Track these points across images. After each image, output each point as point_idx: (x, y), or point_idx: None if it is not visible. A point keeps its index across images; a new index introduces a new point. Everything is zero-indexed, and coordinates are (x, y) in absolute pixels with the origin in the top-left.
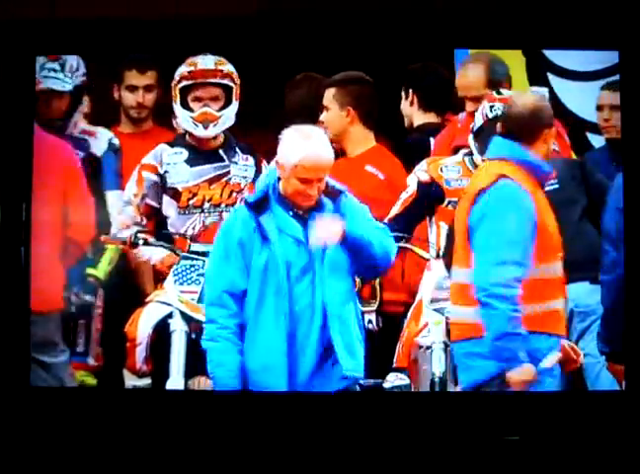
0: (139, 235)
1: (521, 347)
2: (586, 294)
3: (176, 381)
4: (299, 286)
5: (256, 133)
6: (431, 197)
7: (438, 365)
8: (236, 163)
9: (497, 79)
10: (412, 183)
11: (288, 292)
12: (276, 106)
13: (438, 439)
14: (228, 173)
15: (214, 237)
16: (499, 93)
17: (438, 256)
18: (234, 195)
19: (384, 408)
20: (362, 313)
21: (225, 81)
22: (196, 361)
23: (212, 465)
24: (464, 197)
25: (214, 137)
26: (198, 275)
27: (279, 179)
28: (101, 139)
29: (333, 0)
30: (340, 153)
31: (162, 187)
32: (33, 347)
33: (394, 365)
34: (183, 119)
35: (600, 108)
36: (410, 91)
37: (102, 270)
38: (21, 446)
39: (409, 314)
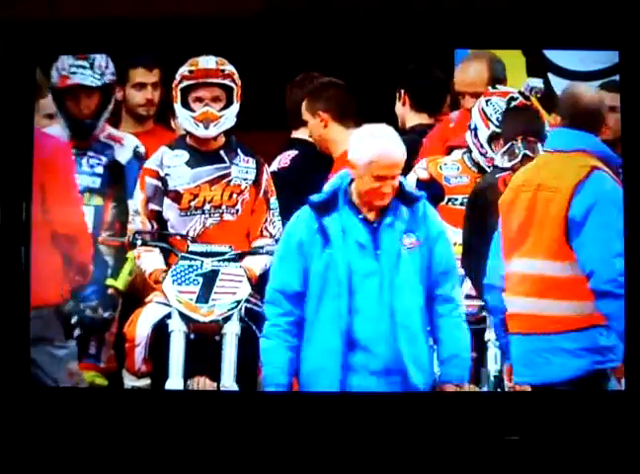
0: (137, 235)
1: None
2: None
3: (175, 382)
4: (362, 292)
5: (257, 134)
6: (430, 195)
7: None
8: (237, 164)
9: (498, 77)
10: (411, 181)
11: (348, 297)
12: (276, 106)
13: (438, 439)
14: (229, 174)
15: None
16: (494, 87)
17: None
18: (235, 196)
19: (385, 408)
20: None
21: (226, 81)
22: (195, 362)
23: (212, 465)
24: (551, 191)
25: (215, 138)
26: (196, 275)
27: (351, 181)
28: (126, 147)
29: (334, 0)
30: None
31: (164, 190)
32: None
33: None
34: (183, 119)
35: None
36: (402, 91)
37: (122, 281)
38: (20, 446)
39: None
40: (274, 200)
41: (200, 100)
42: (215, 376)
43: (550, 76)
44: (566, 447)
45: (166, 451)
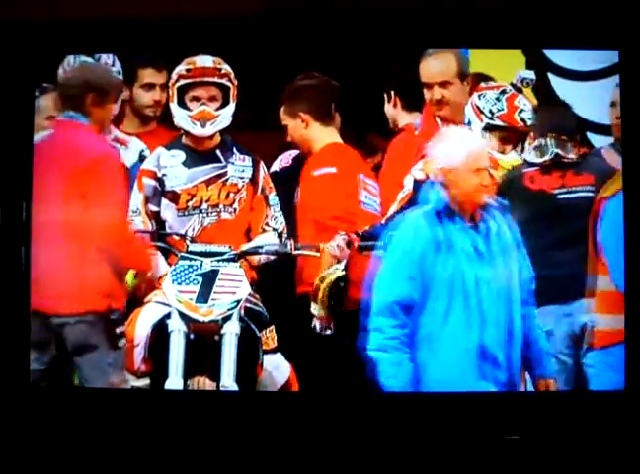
0: (137, 236)
1: None
2: None
3: (174, 381)
4: (487, 301)
5: (257, 134)
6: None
7: None
8: (233, 163)
9: (465, 71)
10: (408, 182)
11: (478, 306)
12: (276, 106)
13: (439, 439)
14: (225, 173)
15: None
16: (486, 82)
17: None
18: (232, 195)
19: (385, 408)
20: None
21: (223, 81)
22: (194, 362)
23: (212, 465)
24: None
25: (211, 138)
26: (196, 275)
27: (444, 189)
28: (132, 150)
29: (334, 0)
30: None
31: (161, 190)
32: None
33: None
34: (180, 118)
35: (614, 104)
36: (392, 93)
37: (128, 284)
38: (20, 446)
39: None
40: (273, 197)
41: (196, 99)
42: (215, 376)
43: (550, 76)
44: (566, 447)
45: (166, 451)
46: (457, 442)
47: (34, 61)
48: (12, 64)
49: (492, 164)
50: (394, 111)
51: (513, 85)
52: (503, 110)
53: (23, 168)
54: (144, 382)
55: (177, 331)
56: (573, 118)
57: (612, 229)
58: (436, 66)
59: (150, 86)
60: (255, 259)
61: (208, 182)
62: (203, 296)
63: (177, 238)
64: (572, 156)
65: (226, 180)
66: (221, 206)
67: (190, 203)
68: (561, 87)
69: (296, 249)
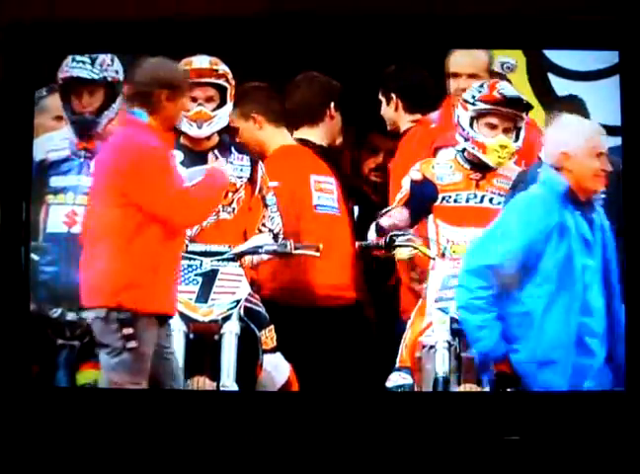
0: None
1: None
2: None
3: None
4: (591, 289)
5: None
6: (425, 196)
7: (441, 365)
8: (231, 163)
9: (492, 69)
10: (405, 183)
11: (583, 293)
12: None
13: (439, 439)
14: None
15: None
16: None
17: (442, 255)
18: (230, 195)
19: (386, 407)
20: None
21: (220, 81)
22: (194, 361)
23: (212, 465)
24: None
25: (208, 138)
26: (195, 274)
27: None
28: None
29: (334, 2)
30: None
31: None
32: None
33: (397, 365)
34: None
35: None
36: (392, 95)
37: None
38: (19, 446)
39: (413, 313)
40: (270, 197)
41: (193, 99)
42: (215, 376)
43: (550, 76)
44: (566, 447)
45: (165, 451)
46: (457, 442)
47: (33, 61)
48: (11, 64)
49: (481, 149)
50: (394, 113)
51: (495, 72)
52: (483, 92)
53: (23, 168)
54: None
55: (177, 331)
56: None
57: None
58: (468, 58)
59: None
60: (247, 259)
61: None
62: (203, 296)
63: None
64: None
65: None
66: (220, 206)
67: None
68: (561, 87)
69: (296, 249)
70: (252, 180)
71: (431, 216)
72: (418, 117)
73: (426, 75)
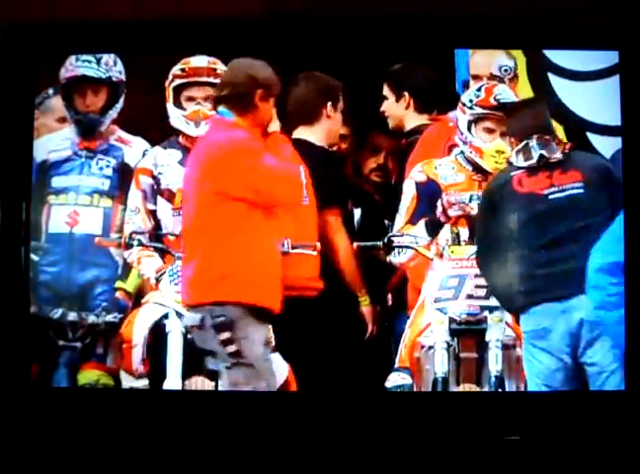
0: (134, 236)
1: None
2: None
3: (173, 382)
4: None
5: None
6: (430, 196)
7: (440, 365)
8: None
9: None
10: (409, 187)
11: None
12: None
13: (439, 439)
14: None
15: None
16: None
17: (441, 255)
18: None
19: (386, 407)
20: None
21: (218, 81)
22: (192, 362)
23: (211, 465)
24: None
25: None
26: None
27: None
28: (136, 149)
29: (333, 3)
30: None
31: (157, 189)
32: None
33: (396, 365)
34: (174, 118)
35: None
36: (405, 93)
37: (132, 283)
38: (19, 446)
39: (412, 314)
40: None
41: (191, 99)
42: (213, 376)
43: (550, 76)
44: (566, 447)
45: (164, 451)
46: (457, 442)
47: (33, 62)
48: (11, 65)
49: (478, 153)
50: (404, 111)
51: (494, 76)
52: (480, 96)
53: (23, 168)
54: (143, 383)
55: (175, 331)
56: (545, 113)
57: None
58: (487, 60)
59: None
60: None
61: None
62: None
63: (172, 238)
64: (557, 155)
65: None
66: None
67: None
68: (561, 87)
69: (293, 248)
70: None
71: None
72: (425, 117)
73: (436, 75)
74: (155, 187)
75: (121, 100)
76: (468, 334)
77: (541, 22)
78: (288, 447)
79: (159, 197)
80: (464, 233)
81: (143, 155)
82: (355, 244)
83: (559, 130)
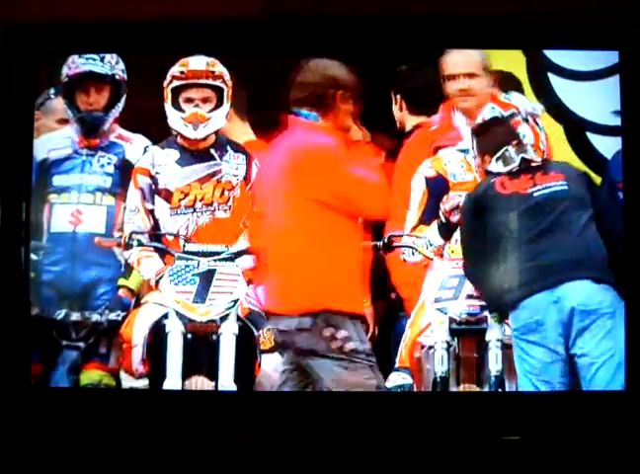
0: (133, 236)
1: None
2: (587, 294)
3: (173, 382)
4: None
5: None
6: (439, 193)
7: (440, 365)
8: (227, 161)
9: (488, 65)
10: (419, 182)
11: None
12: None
13: (438, 439)
14: (219, 171)
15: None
16: (506, 96)
17: (441, 255)
18: (226, 193)
19: (386, 407)
20: None
21: (217, 83)
22: (192, 362)
23: (211, 465)
24: None
25: (205, 138)
26: (193, 275)
27: None
28: (136, 146)
29: (333, 3)
30: None
31: (155, 189)
32: None
33: (397, 365)
34: (173, 120)
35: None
36: (397, 96)
37: (135, 281)
38: (18, 446)
39: (412, 314)
40: None
41: (190, 100)
42: (213, 376)
43: (550, 76)
44: (566, 447)
45: (164, 451)
46: (457, 442)
47: (33, 62)
48: (11, 65)
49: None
50: (400, 114)
51: (519, 113)
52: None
53: (23, 168)
54: (142, 383)
55: (175, 331)
56: (514, 129)
57: None
58: (462, 58)
59: None
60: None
61: (202, 180)
62: (201, 296)
63: (170, 238)
64: (537, 159)
65: (220, 178)
66: (215, 205)
67: (183, 202)
68: (561, 87)
69: None
70: (247, 178)
71: None
72: (421, 118)
73: (430, 77)
74: (153, 186)
75: (123, 99)
76: (468, 334)
77: (541, 22)
78: (288, 447)
79: (157, 197)
80: None
81: (144, 152)
82: None
83: (559, 130)
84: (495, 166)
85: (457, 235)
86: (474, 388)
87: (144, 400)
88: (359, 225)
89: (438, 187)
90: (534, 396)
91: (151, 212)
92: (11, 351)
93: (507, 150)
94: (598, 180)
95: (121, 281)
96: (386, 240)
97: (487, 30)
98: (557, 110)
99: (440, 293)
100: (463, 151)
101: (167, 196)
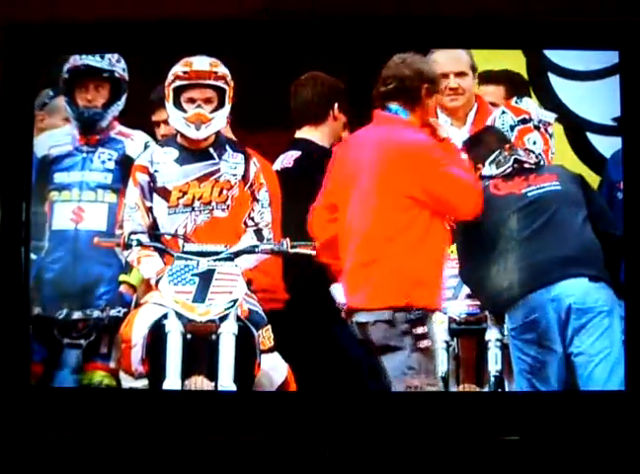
0: (133, 236)
1: None
2: (584, 292)
3: (172, 382)
4: None
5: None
6: None
7: (440, 365)
8: (226, 160)
9: (474, 64)
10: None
11: None
12: (277, 106)
13: (438, 439)
14: (218, 170)
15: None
16: (518, 101)
17: None
18: (225, 192)
19: (386, 407)
20: None
21: (219, 83)
22: (192, 362)
23: (210, 465)
24: None
25: (205, 138)
26: (192, 275)
27: None
28: (137, 141)
29: (333, 3)
30: None
31: (153, 187)
32: None
33: None
34: (174, 120)
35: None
36: None
37: (136, 277)
38: (17, 446)
39: None
40: (263, 192)
41: (192, 100)
42: (213, 376)
43: (550, 76)
44: (566, 447)
45: (164, 451)
46: (457, 442)
47: (33, 62)
48: (11, 65)
49: None
50: None
51: (531, 119)
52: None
53: (23, 168)
54: (142, 383)
55: (174, 331)
56: (504, 135)
57: None
58: (451, 57)
59: None
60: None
61: (201, 179)
62: (200, 296)
63: (168, 237)
64: (530, 161)
65: (219, 177)
66: (214, 204)
67: (181, 201)
68: (561, 87)
69: (292, 248)
70: (245, 177)
71: None
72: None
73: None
74: (151, 184)
75: (123, 98)
76: (468, 334)
77: (541, 22)
78: (288, 447)
79: (155, 195)
80: None
81: (145, 147)
82: None
83: (559, 130)
84: (488, 169)
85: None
86: (474, 388)
87: (144, 400)
88: (446, 222)
89: None
90: (534, 396)
91: (150, 210)
92: (11, 351)
93: (500, 153)
94: (597, 180)
95: (123, 277)
96: None
97: (487, 30)
98: (557, 110)
99: None
100: None
101: (165, 194)
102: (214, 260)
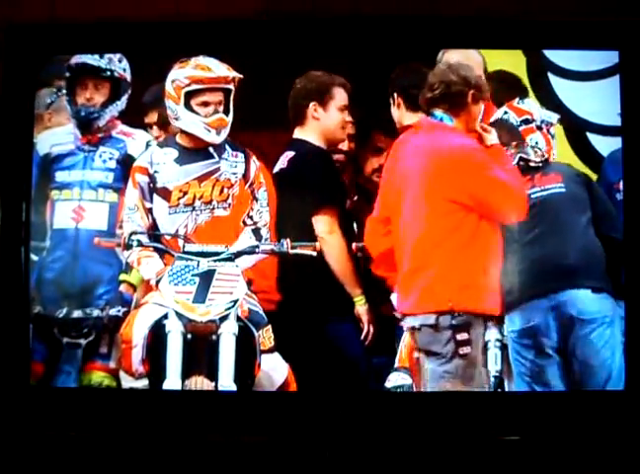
0: (133, 237)
1: None
2: (587, 303)
3: (172, 382)
4: None
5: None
6: None
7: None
8: (226, 159)
9: (486, 66)
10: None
11: None
12: (277, 106)
13: (438, 439)
14: (218, 169)
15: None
16: (521, 102)
17: None
18: (226, 190)
19: (386, 407)
20: None
21: (230, 86)
22: (192, 362)
23: (210, 465)
24: None
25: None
26: (192, 275)
27: None
28: (138, 141)
29: (333, 3)
30: None
31: (153, 187)
32: None
33: (396, 365)
34: (190, 123)
35: None
36: (394, 94)
37: (136, 276)
38: (17, 446)
39: None
40: (262, 192)
41: (205, 104)
42: (213, 376)
43: (550, 76)
44: (566, 447)
45: (164, 451)
46: (457, 442)
47: (33, 62)
48: (11, 65)
49: None
50: (399, 112)
51: (533, 120)
52: None
53: (24, 168)
54: (142, 383)
55: (174, 331)
56: (515, 127)
57: None
58: (464, 58)
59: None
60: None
61: (201, 179)
62: (200, 296)
63: (168, 237)
64: (536, 160)
65: (219, 176)
66: (215, 203)
67: (181, 201)
68: (561, 87)
69: (292, 248)
70: (246, 175)
71: None
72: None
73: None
74: (151, 185)
75: (123, 98)
76: None
77: (541, 22)
78: (288, 447)
79: (155, 196)
80: None
81: (147, 146)
82: (354, 244)
83: (559, 130)
84: None
85: None
86: None
87: (144, 400)
88: (497, 226)
89: None
90: (534, 396)
91: (150, 211)
92: (11, 351)
93: (508, 151)
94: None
95: (123, 276)
96: None
97: (487, 30)
98: (557, 110)
99: None
100: None
101: (166, 194)
102: (215, 260)
